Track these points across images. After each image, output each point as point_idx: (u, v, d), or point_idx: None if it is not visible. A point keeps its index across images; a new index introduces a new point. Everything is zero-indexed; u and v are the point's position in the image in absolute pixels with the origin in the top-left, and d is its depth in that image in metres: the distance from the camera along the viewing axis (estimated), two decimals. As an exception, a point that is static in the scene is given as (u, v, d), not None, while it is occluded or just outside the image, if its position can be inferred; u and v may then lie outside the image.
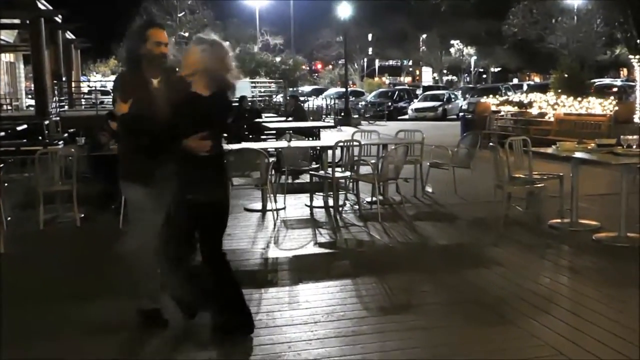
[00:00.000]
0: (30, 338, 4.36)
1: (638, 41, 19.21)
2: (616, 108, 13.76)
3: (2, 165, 8.79)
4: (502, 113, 17.23)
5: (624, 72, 50.90)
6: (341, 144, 8.48)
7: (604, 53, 46.81)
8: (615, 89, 27.46)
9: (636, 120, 17.23)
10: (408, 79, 68.03)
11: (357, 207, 8.38)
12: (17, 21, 24.24)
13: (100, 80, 46.34)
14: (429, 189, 9.53)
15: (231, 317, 4.25)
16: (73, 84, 28.06)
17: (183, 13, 40.98)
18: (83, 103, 26.68)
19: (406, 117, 32.34)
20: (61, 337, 4.37)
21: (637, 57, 19.07)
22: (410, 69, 70.95)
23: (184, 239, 4.19)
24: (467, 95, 33.86)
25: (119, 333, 4.39)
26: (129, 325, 4.46)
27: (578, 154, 6.84)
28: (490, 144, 7.65)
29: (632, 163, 6.31)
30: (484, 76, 64.81)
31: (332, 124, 20.17)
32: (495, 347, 4.09)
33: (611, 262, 5.91)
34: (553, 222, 7.25)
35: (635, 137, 6.61)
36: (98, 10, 45.52)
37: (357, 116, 29.70)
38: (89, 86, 34.00)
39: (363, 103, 34.68)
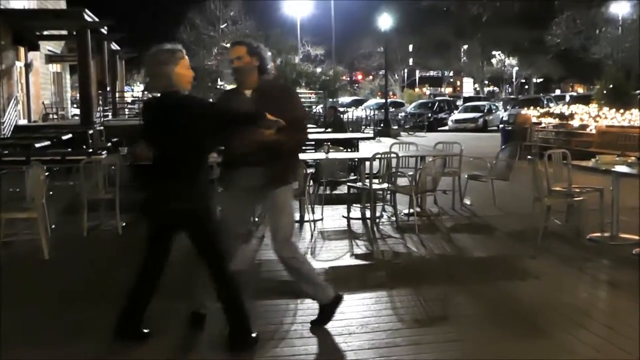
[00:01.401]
0: (79, 338, 4.49)
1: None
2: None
3: (48, 173, 9.05)
4: (543, 125, 17.07)
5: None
6: (379, 155, 8.52)
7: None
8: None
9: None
10: (449, 90, 67.69)
11: (394, 218, 8.40)
12: (64, 32, 24.95)
13: (144, 91, 47.22)
14: (467, 201, 9.50)
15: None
16: (117, 94, 28.66)
17: (226, 24, 41.53)
18: (127, 112, 27.23)
19: (446, 128, 32.21)
20: (109, 338, 4.47)
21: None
22: (451, 80, 70.65)
23: None
24: (508, 107, 33.60)
25: (165, 334, 4.49)
26: (172, 326, 4.57)
27: (618, 167, 6.76)
28: (529, 157, 7.57)
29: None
30: (526, 87, 64.13)
31: (371, 136, 20.19)
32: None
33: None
34: (593, 235, 7.17)
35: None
36: (143, 21, 46.45)
37: (396, 127, 29.65)
38: (132, 96, 34.68)
39: (403, 114, 34.65)
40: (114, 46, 28.92)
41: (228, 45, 41.18)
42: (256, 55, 4.55)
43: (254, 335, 4.31)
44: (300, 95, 33.21)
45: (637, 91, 29.30)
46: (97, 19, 22.54)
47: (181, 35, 39.32)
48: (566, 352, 4.18)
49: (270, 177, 4.44)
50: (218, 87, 39.87)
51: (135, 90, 46.22)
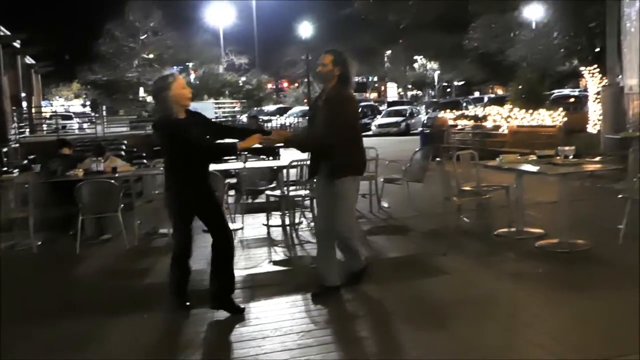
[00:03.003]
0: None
1: (589, 55, 19.82)
2: (565, 119, 14.20)
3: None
4: (460, 127, 17.63)
5: (583, 82, 52.10)
6: (295, 163, 8.68)
7: (563, 64, 47.82)
8: (572, 100, 28.16)
9: (590, 129, 17.80)
10: (374, 95, 68.63)
11: (313, 224, 8.56)
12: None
13: (63, 105, 46.05)
14: (384, 204, 9.76)
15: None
16: (34, 109, 27.94)
17: (146, 36, 40.97)
18: (45, 128, 26.57)
19: (370, 133, 32.70)
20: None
21: (588, 68, 19.70)
22: (376, 85, 71.64)
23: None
24: (429, 110, 34.38)
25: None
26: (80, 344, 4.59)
27: (518, 166, 7.13)
28: (437, 158, 7.89)
29: (567, 173, 6.61)
30: (448, 90, 65.72)
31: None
32: (430, 351, 4.29)
33: (551, 267, 6.17)
34: (500, 231, 7.52)
35: (571, 147, 6.92)
36: (60, 34, 45.27)
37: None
38: (51, 111, 33.87)
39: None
40: (29, 60, 28.19)
41: (151, 56, 40.69)
42: (339, 66, 5.25)
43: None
44: (224, 105, 33.18)
45: (550, 91, 30.58)
46: (8, 33, 21.94)
47: (100, 48, 38.57)
48: (470, 342, 4.42)
49: (330, 169, 5.32)
50: (140, 99, 39.35)
51: (54, 105, 45.09)
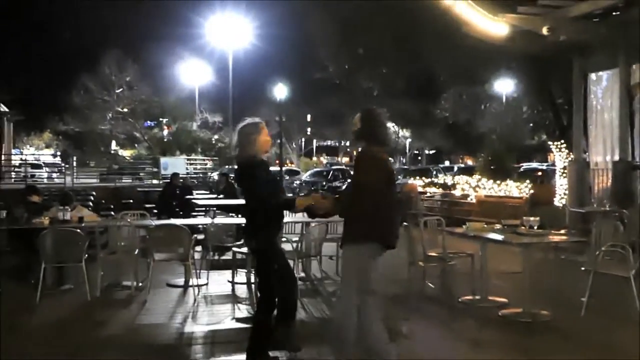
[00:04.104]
0: None
1: (556, 130, 20.37)
2: (532, 191, 14.48)
3: None
4: (429, 194, 17.86)
5: (551, 156, 53.30)
6: (263, 221, 8.67)
7: (532, 138, 48.94)
8: (540, 173, 28.76)
9: (556, 203, 18.12)
10: (346, 159, 69.28)
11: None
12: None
13: (34, 154, 45.65)
14: (350, 266, 9.74)
15: None
16: (3, 157, 27.66)
17: (121, 89, 41.11)
18: (13, 176, 26.26)
19: (340, 196, 32.84)
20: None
21: (556, 143, 20.20)
22: (348, 150, 72.37)
23: None
24: (399, 177, 34.76)
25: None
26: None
27: (484, 234, 7.23)
28: (404, 223, 7.96)
29: (532, 242, 6.73)
30: (419, 158, 66.64)
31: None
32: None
33: (512, 336, 6.20)
34: (464, 298, 7.56)
35: (536, 218, 7.05)
36: (34, 84, 45.26)
37: (291, 195, 30.02)
38: (20, 159, 33.55)
39: (298, 182, 35.20)
40: (2, 107, 28.06)
41: (124, 110, 40.70)
42: (365, 125, 5.05)
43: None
44: (195, 162, 33.20)
45: (519, 164, 31.20)
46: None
47: (73, 99, 38.56)
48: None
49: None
50: (112, 151, 39.21)
51: (24, 154, 44.68)
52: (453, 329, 6.49)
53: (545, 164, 42.11)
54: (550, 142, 21.37)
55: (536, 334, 6.23)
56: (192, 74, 45.10)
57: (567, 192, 15.68)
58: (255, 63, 45.30)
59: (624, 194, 12.70)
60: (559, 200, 17.90)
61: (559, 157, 19.42)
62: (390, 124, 59.75)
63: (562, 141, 19.64)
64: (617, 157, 13.64)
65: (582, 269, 7.36)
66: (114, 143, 41.70)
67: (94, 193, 19.94)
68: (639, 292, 6.74)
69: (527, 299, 6.80)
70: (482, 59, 20.77)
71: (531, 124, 43.51)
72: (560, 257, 10.21)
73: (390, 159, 5.37)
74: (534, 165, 37.30)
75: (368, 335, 4.78)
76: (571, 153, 17.46)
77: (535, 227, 6.97)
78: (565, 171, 16.93)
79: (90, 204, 16.14)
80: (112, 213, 13.71)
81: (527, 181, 15.76)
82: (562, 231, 8.14)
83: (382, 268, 9.20)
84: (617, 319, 6.77)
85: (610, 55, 13.77)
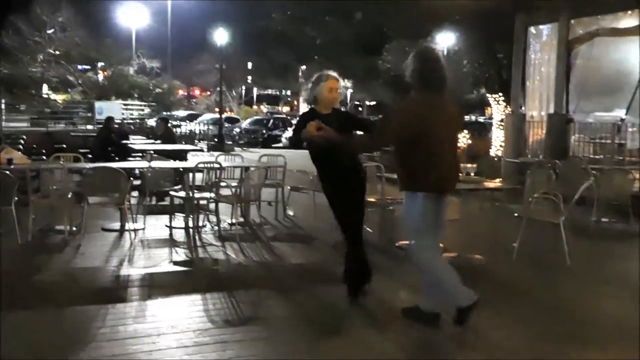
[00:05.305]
0: None
1: (496, 84, 20.69)
2: (469, 141, 14.72)
3: None
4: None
5: (489, 110, 54.24)
6: (202, 165, 8.57)
7: (472, 92, 49.57)
8: (478, 125, 29.28)
9: (492, 154, 18.52)
10: (287, 109, 68.93)
11: (217, 228, 8.47)
12: None
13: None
14: (290, 212, 9.78)
15: None
16: None
17: (53, 30, 39.43)
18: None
19: (280, 145, 32.76)
20: None
21: (494, 96, 20.54)
22: (289, 99, 71.98)
23: None
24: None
25: None
26: None
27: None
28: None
29: (468, 189, 6.85)
30: (360, 109, 66.82)
31: (200, 148, 20.20)
32: (328, 356, 4.32)
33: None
34: (402, 243, 7.66)
35: (473, 165, 7.17)
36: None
37: (230, 143, 29.74)
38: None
39: (237, 130, 34.87)
40: None
41: (57, 52, 39.12)
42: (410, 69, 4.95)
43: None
44: (132, 107, 32.44)
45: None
46: None
47: (3, 40, 36.83)
48: (362, 346, 4.47)
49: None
50: (44, 95, 37.84)
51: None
52: (392, 273, 6.58)
53: (483, 117, 42.92)
54: (489, 96, 21.75)
55: (470, 278, 6.36)
56: (129, 16, 43.71)
57: (503, 144, 16.03)
58: (195, 5, 44.19)
59: (557, 146, 13.07)
60: (495, 152, 18.33)
61: (497, 110, 19.80)
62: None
63: (501, 94, 19.99)
64: (552, 111, 13.98)
65: (515, 215, 7.56)
66: (45, 87, 40.14)
67: (24, 137, 19.24)
68: (567, 237, 6.99)
69: (463, 245, 6.95)
70: (426, 12, 20.81)
71: (471, 78, 44.20)
72: (495, 204, 10.46)
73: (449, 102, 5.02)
74: (473, 118, 37.93)
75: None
76: (509, 106, 17.83)
77: (472, 174, 7.09)
78: (502, 124, 17.29)
79: (21, 147, 15.57)
80: (44, 157, 13.28)
81: (465, 131, 15.97)
82: (497, 180, 8.30)
83: (322, 214, 9.28)
84: (545, 264, 7.02)
85: (551, 10, 13.96)
